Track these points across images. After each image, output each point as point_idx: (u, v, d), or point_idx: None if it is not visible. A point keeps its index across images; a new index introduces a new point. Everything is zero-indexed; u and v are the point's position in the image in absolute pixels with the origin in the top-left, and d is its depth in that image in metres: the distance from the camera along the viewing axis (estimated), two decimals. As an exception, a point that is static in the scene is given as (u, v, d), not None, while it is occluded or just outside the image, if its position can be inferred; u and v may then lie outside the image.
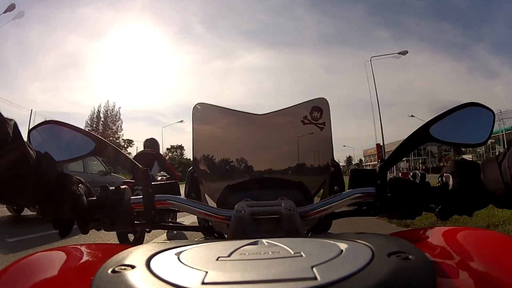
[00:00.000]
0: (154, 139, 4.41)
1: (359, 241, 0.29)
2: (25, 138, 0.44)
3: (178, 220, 2.82)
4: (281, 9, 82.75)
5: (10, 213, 5.90)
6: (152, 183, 0.54)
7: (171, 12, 75.62)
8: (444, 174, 0.51)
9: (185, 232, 2.99)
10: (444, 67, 71.29)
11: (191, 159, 0.68)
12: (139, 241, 3.38)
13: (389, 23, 75.73)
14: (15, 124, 0.40)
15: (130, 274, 0.24)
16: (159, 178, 4.25)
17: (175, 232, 3.61)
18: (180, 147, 51.21)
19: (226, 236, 0.59)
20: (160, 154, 4.48)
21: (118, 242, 3.33)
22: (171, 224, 0.62)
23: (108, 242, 3.73)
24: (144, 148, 4.40)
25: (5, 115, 0.39)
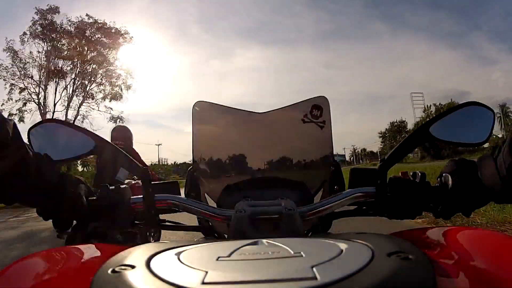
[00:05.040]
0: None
1: (359, 241, 0.29)
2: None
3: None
4: (278, 6, 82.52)
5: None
6: (152, 182, 0.54)
7: (167, 13, 75.25)
8: (443, 174, 0.51)
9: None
10: (442, 57, 71.34)
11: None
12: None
13: (386, 16, 75.71)
14: (15, 125, 0.40)
15: (130, 274, 0.24)
16: None
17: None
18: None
19: (226, 236, 0.59)
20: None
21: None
22: (171, 224, 0.62)
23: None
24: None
25: None
